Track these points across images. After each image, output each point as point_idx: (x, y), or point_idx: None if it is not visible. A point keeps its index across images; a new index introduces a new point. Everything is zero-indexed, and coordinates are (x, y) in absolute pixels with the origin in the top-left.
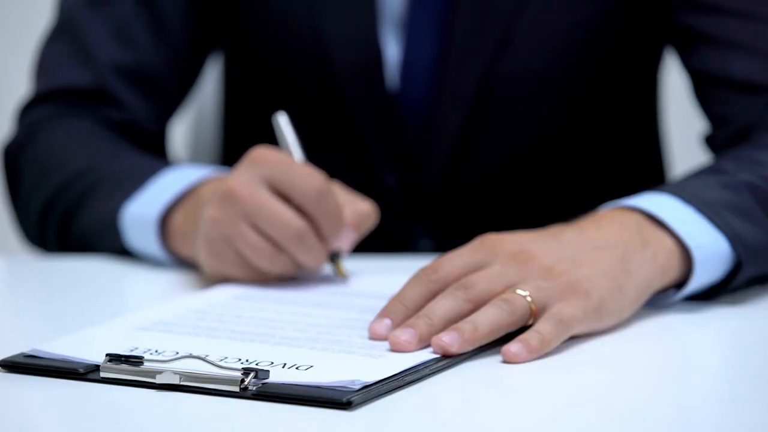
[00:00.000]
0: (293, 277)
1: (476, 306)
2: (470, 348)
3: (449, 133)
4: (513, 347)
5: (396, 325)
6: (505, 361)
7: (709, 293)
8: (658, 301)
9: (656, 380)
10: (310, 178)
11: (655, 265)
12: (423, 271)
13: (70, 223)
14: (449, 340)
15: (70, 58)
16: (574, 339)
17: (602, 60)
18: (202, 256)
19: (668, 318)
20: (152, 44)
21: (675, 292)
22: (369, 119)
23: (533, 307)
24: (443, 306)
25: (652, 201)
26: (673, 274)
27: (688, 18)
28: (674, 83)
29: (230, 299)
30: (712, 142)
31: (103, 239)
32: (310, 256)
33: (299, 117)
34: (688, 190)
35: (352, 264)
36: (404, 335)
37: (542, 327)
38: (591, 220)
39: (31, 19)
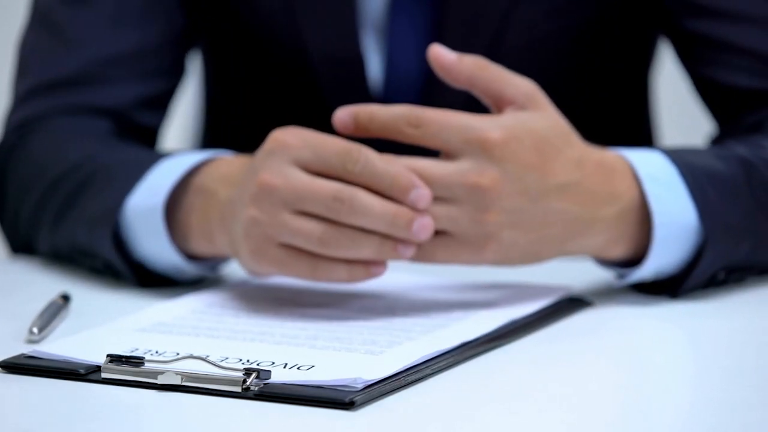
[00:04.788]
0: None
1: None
2: None
3: None
4: (417, 227)
5: (354, 128)
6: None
7: (681, 278)
8: (625, 276)
9: (653, 381)
10: (338, 148)
11: (593, 248)
12: (408, 114)
13: (63, 218)
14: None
15: (51, 51)
16: (573, 337)
17: (593, 66)
18: (248, 262)
19: (665, 319)
20: (146, 27)
21: (637, 265)
22: None
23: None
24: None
25: (642, 157)
26: (615, 252)
27: (691, 24)
28: (667, 81)
29: (228, 300)
30: (721, 143)
31: (96, 236)
32: (365, 218)
33: (282, 119)
34: (679, 153)
35: None
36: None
37: (424, 253)
38: (598, 171)
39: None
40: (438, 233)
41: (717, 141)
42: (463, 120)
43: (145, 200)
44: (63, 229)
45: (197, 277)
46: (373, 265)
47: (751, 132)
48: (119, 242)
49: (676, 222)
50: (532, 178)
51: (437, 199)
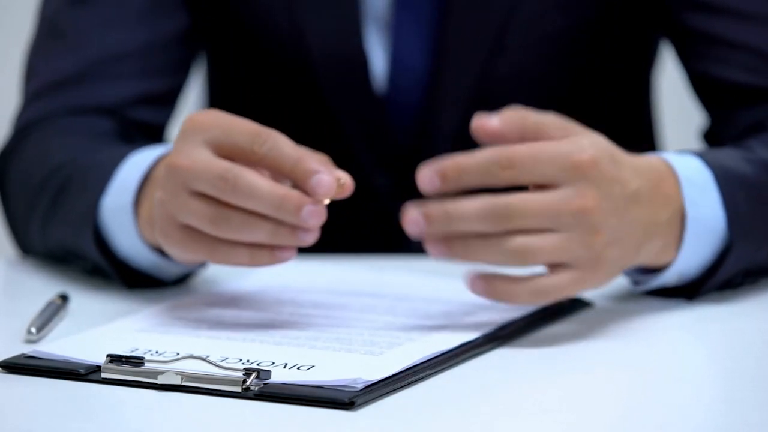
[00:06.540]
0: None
1: (504, 233)
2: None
3: (446, 136)
4: (472, 280)
5: (441, 187)
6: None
7: (702, 281)
8: (645, 282)
9: (653, 382)
10: (249, 129)
11: (662, 248)
12: (498, 157)
13: (50, 221)
14: (433, 248)
15: (55, 53)
16: (573, 337)
17: (596, 60)
18: (163, 245)
19: (664, 318)
20: (149, 26)
21: (662, 271)
22: (355, 121)
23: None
24: (471, 220)
25: (685, 163)
26: (668, 257)
27: (689, 18)
28: (671, 81)
29: (228, 300)
30: (715, 140)
31: (81, 238)
32: (251, 199)
33: (284, 117)
34: (713, 157)
35: (348, 265)
36: (412, 227)
37: (521, 288)
38: (654, 176)
39: (27, 22)
40: (555, 267)
41: (709, 136)
42: (553, 148)
43: (117, 199)
44: (52, 232)
45: (180, 274)
46: (278, 249)
47: (750, 132)
48: (102, 243)
49: (705, 227)
50: (617, 190)
51: (545, 231)
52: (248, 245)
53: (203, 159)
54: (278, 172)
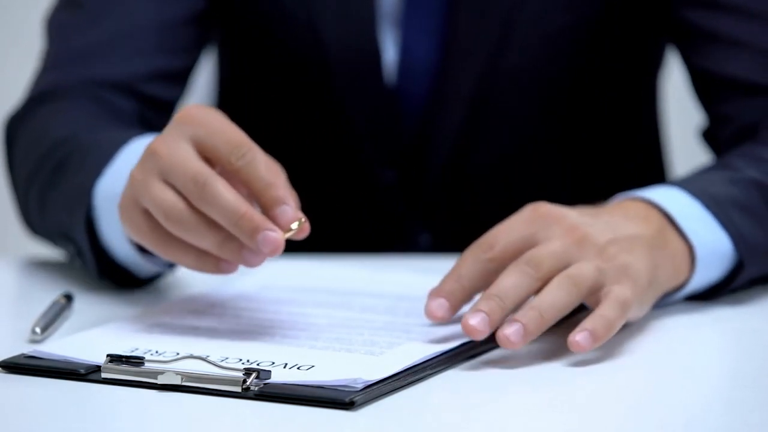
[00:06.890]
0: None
1: (544, 284)
2: (532, 339)
3: (450, 131)
4: (580, 338)
5: (453, 305)
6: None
7: (710, 293)
8: (659, 301)
9: (656, 381)
10: (232, 138)
11: (672, 267)
12: (478, 247)
13: (47, 199)
14: (511, 334)
15: (72, 25)
16: None
17: (601, 57)
18: (120, 218)
19: (669, 318)
20: (166, 4)
21: (676, 292)
22: (365, 115)
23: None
24: (515, 286)
25: (663, 195)
26: (683, 276)
27: (690, 14)
28: (675, 81)
29: (228, 300)
30: (712, 138)
31: (75, 218)
32: (212, 207)
33: (294, 110)
34: (697, 185)
35: (350, 263)
36: (479, 324)
37: (606, 311)
38: (615, 208)
39: (32, 16)
40: (598, 292)
41: (707, 135)
42: (514, 217)
43: (111, 186)
44: (48, 206)
45: (153, 273)
46: (223, 261)
47: (745, 133)
48: (90, 226)
49: (713, 253)
50: (590, 217)
51: (568, 268)
52: (198, 250)
53: (182, 154)
54: (249, 189)
